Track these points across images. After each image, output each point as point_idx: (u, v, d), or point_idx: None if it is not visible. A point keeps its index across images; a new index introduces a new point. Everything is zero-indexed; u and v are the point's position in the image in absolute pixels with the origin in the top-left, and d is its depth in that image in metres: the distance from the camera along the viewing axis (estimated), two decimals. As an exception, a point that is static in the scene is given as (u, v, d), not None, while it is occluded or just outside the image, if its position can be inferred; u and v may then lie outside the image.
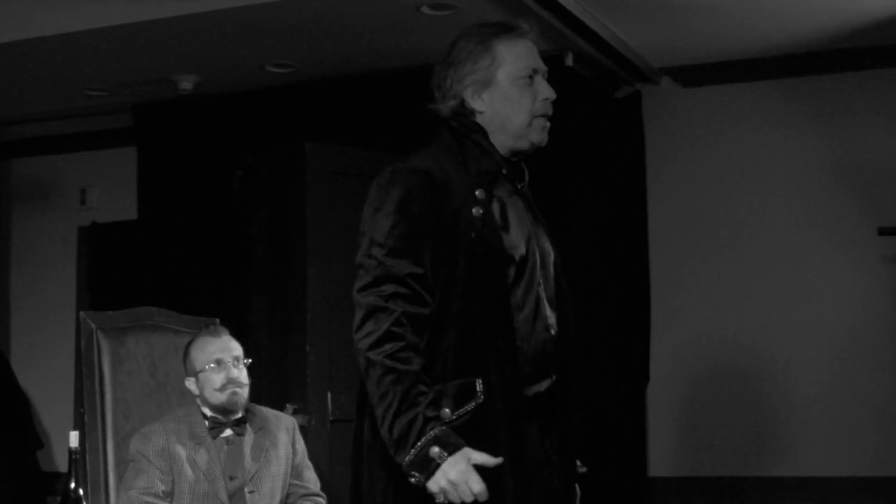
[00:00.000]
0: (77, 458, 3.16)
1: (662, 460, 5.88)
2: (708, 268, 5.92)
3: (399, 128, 5.86)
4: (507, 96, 2.85)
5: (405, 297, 2.68)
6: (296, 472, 3.97)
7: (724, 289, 5.88)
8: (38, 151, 7.25)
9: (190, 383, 3.92)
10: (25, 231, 7.29)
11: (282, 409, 4.43)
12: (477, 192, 2.76)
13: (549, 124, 2.89)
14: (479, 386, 2.69)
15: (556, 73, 5.58)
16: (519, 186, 2.88)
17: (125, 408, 4.08)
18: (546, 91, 2.87)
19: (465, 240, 2.72)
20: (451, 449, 2.57)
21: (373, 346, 2.65)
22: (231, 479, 3.82)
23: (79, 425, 4.06)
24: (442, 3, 5.03)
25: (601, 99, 5.95)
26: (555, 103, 5.77)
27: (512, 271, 2.77)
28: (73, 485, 3.14)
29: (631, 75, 5.95)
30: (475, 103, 2.86)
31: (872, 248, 5.63)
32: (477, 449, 2.60)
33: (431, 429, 2.58)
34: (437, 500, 2.58)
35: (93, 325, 4.12)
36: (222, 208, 6.26)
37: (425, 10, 5.10)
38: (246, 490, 3.81)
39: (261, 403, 4.11)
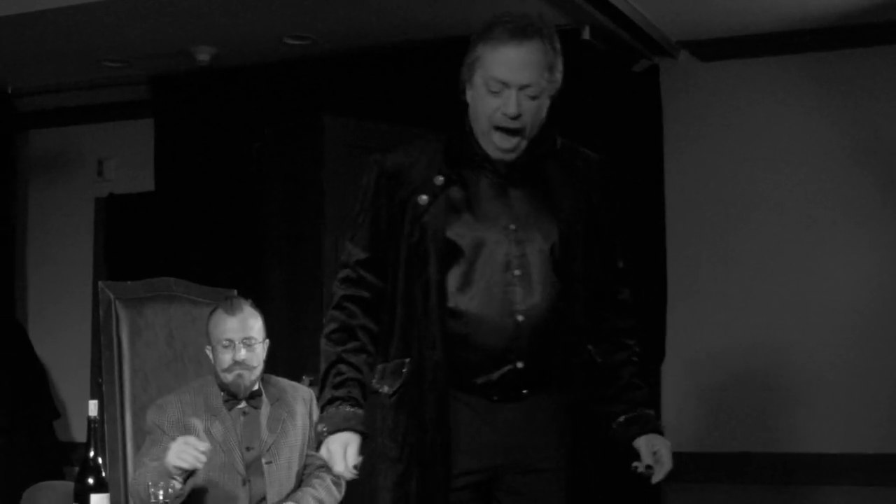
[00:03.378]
0: (96, 428, 3.16)
1: (676, 436, 5.82)
2: (725, 244, 5.90)
3: (416, 101, 5.87)
4: (478, 98, 2.83)
5: (350, 280, 2.91)
6: (313, 443, 3.97)
7: (740, 265, 5.85)
8: (56, 123, 7.21)
9: (208, 350, 3.93)
10: (43, 202, 7.28)
11: (298, 381, 4.44)
12: (436, 179, 2.84)
13: (509, 144, 2.83)
14: (406, 367, 2.83)
15: (572, 46, 5.56)
16: (498, 179, 2.88)
17: (143, 378, 4.10)
18: (506, 106, 2.79)
19: (408, 226, 2.83)
20: (332, 428, 2.80)
21: (324, 327, 2.93)
22: (248, 449, 3.83)
23: (97, 395, 4.06)
24: (461, -25, 5.03)
25: (618, 73, 5.91)
26: (573, 76, 5.67)
27: (460, 257, 2.81)
28: (92, 454, 3.14)
29: (648, 49, 5.89)
30: (466, 95, 2.88)
31: (892, 227, 5.62)
32: (405, 424, 2.82)
33: (332, 406, 2.82)
34: None
35: (111, 295, 4.13)
36: (239, 180, 6.27)
37: (439, -19, 5.08)
38: (263, 461, 3.82)
39: (277, 375, 4.12)
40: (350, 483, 3.09)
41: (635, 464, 2.91)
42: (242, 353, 3.82)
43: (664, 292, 5.93)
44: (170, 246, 6.40)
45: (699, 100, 5.98)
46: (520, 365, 2.80)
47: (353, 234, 2.94)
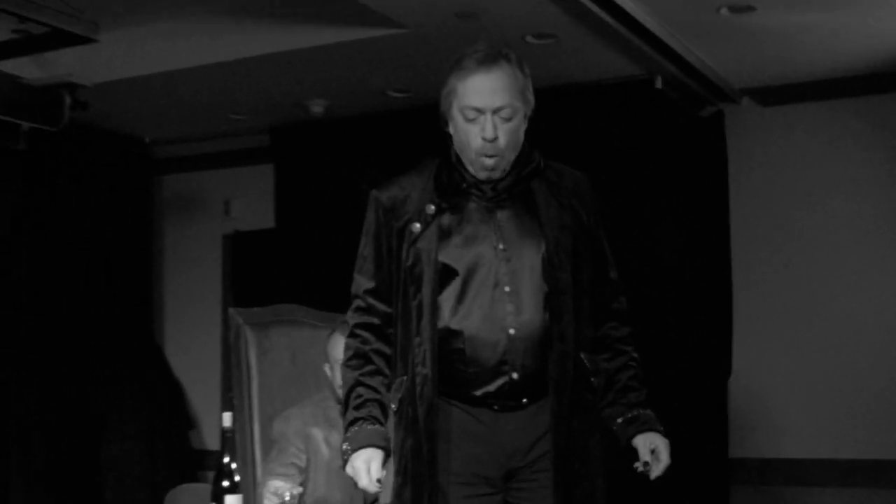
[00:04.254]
0: (230, 437, 3.23)
1: (742, 442, 5.90)
2: (787, 280, 5.95)
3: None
4: (458, 128, 2.90)
5: (360, 309, 3.00)
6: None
7: (801, 302, 5.91)
8: (187, 168, 7.51)
9: (327, 368, 4.04)
10: (176, 239, 7.57)
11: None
12: (427, 208, 2.92)
13: (490, 162, 2.87)
14: (403, 384, 2.91)
15: (645, 95, 5.77)
16: (485, 203, 2.94)
17: (269, 393, 4.22)
18: (484, 130, 2.84)
19: (404, 253, 2.91)
20: (355, 446, 2.88)
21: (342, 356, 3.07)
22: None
23: (229, 408, 4.03)
24: (544, 33, 5.15)
25: (687, 118, 6.02)
26: (646, 122, 5.65)
27: (454, 279, 2.87)
28: (226, 459, 3.19)
29: (714, 96, 5.99)
30: (449, 127, 2.95)
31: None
32: (401, 437, 2.89)
33: (355, 426, 2.91)
34: None
35: (240, 320, 4.24)
36: (350, 217, 6.52)
37: (529, 39, 5.19)
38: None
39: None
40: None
41: (635, 463, 2.93)
42: None
43: (730, 320, 6.03)
44: (289, 276, 6.63)
45: (761, 142, 6.03)
46: (515, 376, 2.85)
47: (360, 266, 3.00)
